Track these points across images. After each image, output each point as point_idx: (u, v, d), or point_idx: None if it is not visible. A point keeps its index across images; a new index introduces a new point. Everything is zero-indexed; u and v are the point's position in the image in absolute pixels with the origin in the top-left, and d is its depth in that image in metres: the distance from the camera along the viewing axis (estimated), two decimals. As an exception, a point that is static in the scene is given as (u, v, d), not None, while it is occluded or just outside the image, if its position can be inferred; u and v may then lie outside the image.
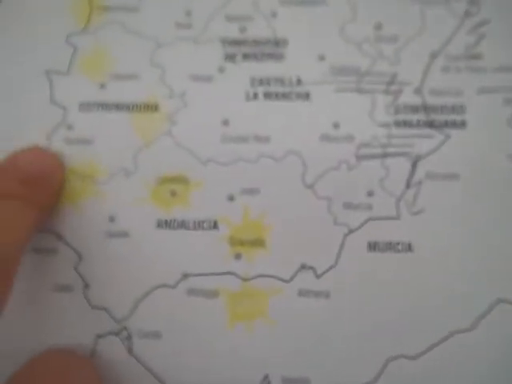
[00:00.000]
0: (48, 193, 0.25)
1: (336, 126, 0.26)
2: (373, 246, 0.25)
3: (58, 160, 0.26)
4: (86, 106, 0.27)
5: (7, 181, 0.23)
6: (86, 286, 0.25)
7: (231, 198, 0.26)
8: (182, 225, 0.26)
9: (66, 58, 0.27)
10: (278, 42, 0.27)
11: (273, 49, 0.27)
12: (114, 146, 0.27)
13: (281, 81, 0.27)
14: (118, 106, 0.27)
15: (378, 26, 0.27)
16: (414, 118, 0.26)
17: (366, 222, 0.25)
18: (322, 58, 0.27)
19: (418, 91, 0.26)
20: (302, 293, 0.25)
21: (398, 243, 0.25)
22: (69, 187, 0.26)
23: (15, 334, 0.25)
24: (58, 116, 0.27)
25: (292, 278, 0.25)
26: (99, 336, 0.25)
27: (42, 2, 0.27)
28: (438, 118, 0.26)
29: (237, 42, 0.27)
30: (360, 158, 0.26)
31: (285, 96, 0.26)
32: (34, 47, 0.27)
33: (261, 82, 0.27)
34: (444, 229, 0.25)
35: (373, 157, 0.26)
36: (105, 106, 0.27)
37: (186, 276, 0.25)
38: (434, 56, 0.26)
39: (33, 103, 0.27)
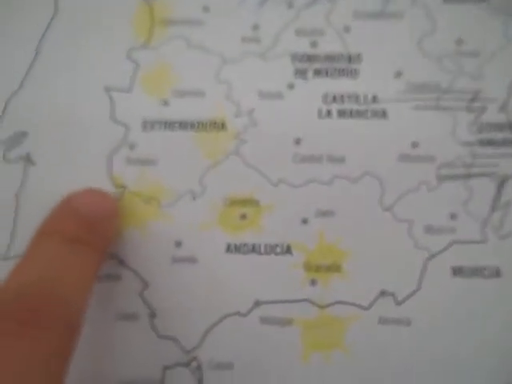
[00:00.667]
0: (109, 236, 0.33)
1: (415, 145, 0.35)
2: (457, 271, 0.33)
3: (116, 203, 0.34)
4: (148, 124, 0.35)
5: (72, 225, 0.31)
6: (152, 314, 0.34)
7: (305, 221, 0.34)
8: (253, 249, 0.34)
9: (127, 73, 0.36)
10: (352, 58, 0.36)
11: (346, 64, 0.36)
12: (178, 166, 0.35)
13: (355, 98, 0.35)
14: (183, 124, 0.35)
15: (459, 40, 0.35)
16: (499, 136, 0.34)
17: (449, 245, 0.34)
18: (398, 74, 0.35)
19: (503, 108, 0.35)
20: (382, 320, 0.33)
21: (485, 268, 0.33)
22: (132, 210, 0.35)
23: (78, 365, 0.33)
24: (119, 135, 0.35)
25: (371, 305, 0.33)
26: (167, 367, 0.33)
27: (103, 15, 0.36)
28: None
29: (308, 58, 0.36)
30: (441, 178, 0.34)
31: (360, 114, 0.35)
32: (93, 62, 0.36)
33: (334, 98, 0.35)
34: None
35: (455, 177, 0.34)
36: (168, 125, 0.35)
37: (258, 303, 0.34)
38: (519, 71, 0.35)
39: (93, 121, 0.35)
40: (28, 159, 0.34)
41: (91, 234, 0.31)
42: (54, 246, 0.30)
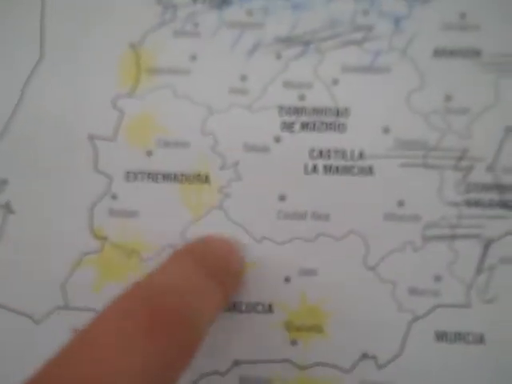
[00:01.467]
0: (238, 285, 0.33)
1: (401, 204, 0.33)
2: (441, 336, 0.32)
3: (242, 252, 0.33)
4: (131, 175, 0.34)
5: (215, 264, 0.30)
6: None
7: (287, 280, 0.33)
8: (234, 307, 0.32)
9: (111, 122, 0.34)
10: (340, 112, 0.34)
11: (334, 118, 0.34)
12: (161, 219, 0.33)
13: (342, 153, 0.34)
14: (166, 176, 0.34)
15: (448, 96, 0.34)
16: (487, 197, 0.33)
17: (433, 309, 0.32)
18: (386, 130, 0.34)
19: (490, 168, 0.33)
20: (363, 384, 0.31)
21: (469, 334, 0.32)
22: (113, 263, 0.33)
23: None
24: (101, 185, 0.34)
25: (352, 368, 0.32)
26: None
27: (89, 61, 0.34)
28: None
29: (295, 110, 0.34)
30: (427, 239, 0.33)
31: (346, 170, 0.33)
32: (77, 109, 0.34)
33: (321, 153, 0.34)
34: None
35: (441, 238, 0.33)
36: (152, 176, 0.34)
37: (237, 363, 0.32)
38: (509, 130, 0.33)
39: (75, 170, 0.34)
40: (7, 207, 0.32)
41: (227, 277, 0.31)
42: (194, 270, 0.29)
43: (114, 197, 0.33)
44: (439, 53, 0.33)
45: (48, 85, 0.34)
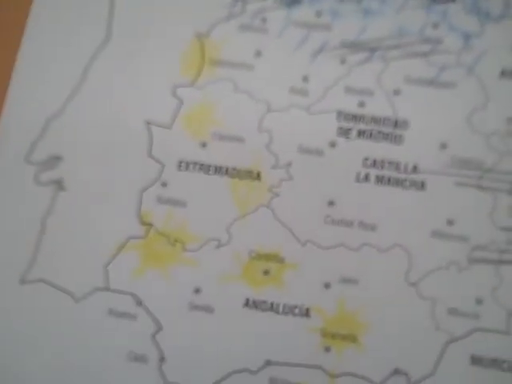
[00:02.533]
0: None
1: (450, 222, 0.31)
2: (476, 360, 0.30)
3: None
4: (184, 164, 0.32)
5: None
6: (162, 358, 0.31)
7: (327, 286, 0.31)
8: (272, 308, 0.31)
9: (169, 110, 0.33)
10: (398, 123, 0.32)
11: (391, 129, 0.32)
12: (208, 211, 0.32)
13: (396, 165, 0.32)
14: (218, 169, 0.32)
15: (511, 119, 0.32)
16: (537, 222, 0.31)
17: (471, 332, 0.30)
18: (443, 146, 0.32)
19: (545, 196, 0.31)
20: (393, 401, 0.30)
21: (505, 361, 0.30)
22: (156, 250, 0.32)
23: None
24: (153, 171, 0.32)
25: (383, 383, 0.30)
26: (170, 415, 0.30)
27: (154, 46, 0.33)
28: None
29: (353, 117, 0.32)
30: (473, 261, 0.31)
31: (398, 182, 0.32)
32: (137, 93, 0.33)
33: (374, 163, 0.32)
34: None
35: (487, 262, 0.31)
36: (204, 167, 0.32)
37: (269, 363, 0.31)
38: None
39: (129, 153, 0.32)
40: (59, 184, 0.31)
41: None
42: None
43: (164, 184, 0.32)
44: (507, 74, 0.31)
45: (110, 66, 0.33)
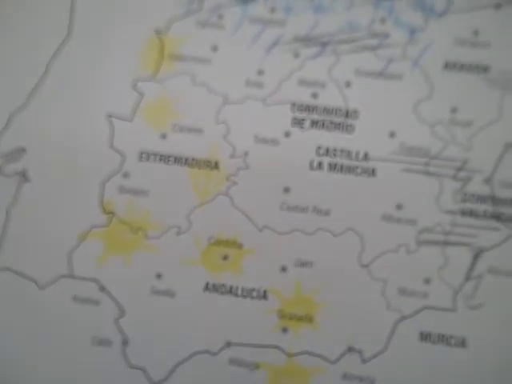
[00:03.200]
0: None
1: (399, 207, 0.32)
2: (425, 337, 0.31)
3: None
4: (144, 155, 0.33)
5: None
6: (125, 342, 0.31)
7: (284, 269, 0.32)
8: (231, 291, 0.32)
9: (130, 103, 0.33)
10: (349, 113, 0.33)
11: (343, 119, 0.33)
12: (169, 200, 0.33)
13: (347, 153, 0.33)
14: (177, 159, 0.33)
15: (454, 109, 0.33)
16: (481, 208, 0.32)
17: (420, 310, 0.31)
18: (392, 134, 0.33)
19: (487, 181, 0.32)
20: (346, 377, 0.31)
21: (452, 337, 0.31)
22: (119, 238, 0.32)
23: (51, 382, 0.31)
24: (115, 162, 0.33)
25: (337, 360, 0.31)
26: (133, 397, 0.31)
27: (114, 43, 0.34)
28: (506, 212, 0.32)
29: (307, 108, 0.33)
30: (420, 243, 0.32)
31: (350, 170, 0.33)
32: (99, 87, 0.33)
33: (327, 151, 0.33)
34: (502, 327, 0.31)
35: (434, 243, 0.32)
36: (164, 158, 0.33)
37: (229, 344, 0.31)
38: (508, 146, 0.32)
39: (91, 145, 0.33)
40: (23, 175, 0.31)
41: None
42: None
43: (126, 175, 0.32)
44: (450, 66, 0.32)
45: (72, 62, 0.34)
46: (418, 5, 0.33)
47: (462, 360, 0.30)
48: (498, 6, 0.32)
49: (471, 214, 0.32)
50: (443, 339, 0.31)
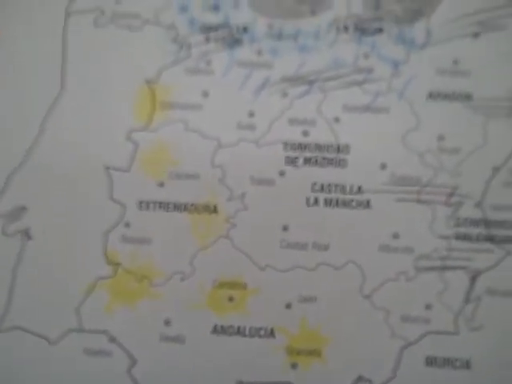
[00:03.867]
0: None
1: (396, 236, 0.33)
2: (430, 362, 0.32)
3: None
4: (144, 204, 0.33)
5: None
6: (140, 391, 0.32)
7: (288, 306, 0.32)
8: (238, 331, 0.32)
9: (126, 154, 0.34)
10: (340, 148, 0.34)
11: (335, 154, 0.34)
12: (171, 247, 0.33)
13: (342, 187, 0.33)
14: (177, 206, 0.33)
15: (441, 137, 0.34)
16: (475, 231, 0.33)
17: (424, 335, 0.32)
18: (383, 166, 0.34)
19: (478, 205, 0.33)
20: (359, 407, 0.31)
21: (457, 359, 0.32)
22: (125, 288, 0.32)
23: None
24: (116, 213, 0.33)
25: (348, 392, 0.32)
26: None
27: (106, 96, 0.34)
28: (499, 234, 0.33)
29: (299, 146, 0.34)
30: (419, 269, 0.33)
31: (345, 203, 0.33)
32: (94, 141, 0.34)
33: (322, 187, 0.33)
34: (504, 346, 0.32)
35: (432, 269, 0.33)
36: (163, 205, 0.33)
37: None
38: (496, 169, 0.33)
39: (91, 198, 0.33)
40: (26, 233, 0.31)
41: None
42: None
43: (127, 225, 0.33)
44: (434, 96, 0.33)
45: (67, 116, 0.34)
46: (398, 39, 0.33)
47: (466, 382, 0.31)
48: (476, 35, 0.33)
49: (465, 237, 0.33)
50: (448, 362, 0.31)
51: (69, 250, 0.33)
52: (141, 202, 0.33)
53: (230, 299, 0.32)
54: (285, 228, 0.32)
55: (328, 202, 0.33)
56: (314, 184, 0.33)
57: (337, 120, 0.33)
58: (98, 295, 0.32)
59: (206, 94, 0.33)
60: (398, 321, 0.32)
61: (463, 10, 0.33)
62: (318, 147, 0.33)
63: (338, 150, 0.33)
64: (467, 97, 0.33)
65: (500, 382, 0.31)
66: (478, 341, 0.32)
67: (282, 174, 0.33)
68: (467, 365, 0.31)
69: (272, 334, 0.31)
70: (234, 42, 0.33)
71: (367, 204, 0.33)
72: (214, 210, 0.33)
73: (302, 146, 0.33)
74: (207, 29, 0.34)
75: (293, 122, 0.33)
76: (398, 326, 0.32)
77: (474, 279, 0.32)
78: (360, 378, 0.31)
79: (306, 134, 0.33)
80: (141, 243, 0.32)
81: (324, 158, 0.33)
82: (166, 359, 0.31)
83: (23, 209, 0.32)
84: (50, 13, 0.34)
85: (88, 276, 0.32)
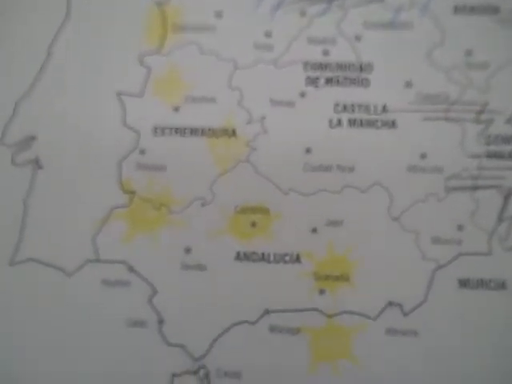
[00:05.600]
0: None
1: (423, 156, 0.31)
2: (463, 283, 0.30)
3: None
4: (159, 130, 0.32)
5: None
6: (161, 321, 0.30)
7: (314, 231, 0.31)
8: (263, 258, 0.31)
9: (138, 79, 0.32)
10: (363, 67, 0.32)
11: (357, 73, 0.32)
12: (189, 173, 0.32)
13: (366, 107, 0.32)
14: (193, 131, 0.32)
15: (468, 52, 0.32)
16: (507, 148, 0.32)
17: (456, 257, 0.31)
18: (408, 84, 0.32)
19: (510, 120, 0.32)
20: (389, 331, 0.30)
21: (491, 280, 0.30)
22: (142, 216, 0.31)
23: (88, 366, 0.30)
24: (130, 140, 0.32)
25: (378, 315, 0.30)
26: (175, 375, 0.30)
27: (115, 20, 0.33)
28: None
29: (319, 66, 0.32)
30: (449, 190, 0.31)
31: (370, 123, 0.32)
32: (105, 66, 0.32)
33: (345, 108, 0.32)
34: None
35: (463, 189, 0.31)
36: (179, 131, 0.32)
37: (267, 312, 0.30)
38: (526, 84, 0.32)
39: (104, 125, 0.32)
40: (36, 163, 0.30)
41: None
42: None
43: (143, 152, 0.31)
44: (459, 9, 0.32)
45: (74, 43, 0.32)
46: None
47: (503, 302, 0.30)
48: None
49: (497, 155, 0.31)
50: (482, 284, 0.30)
51: (81, 180, 0.32)
52: (156, 128, 0.32)
53: (253, 225, 0.31)
54: (308, 151, 0.31)
55: (352, 123, 0.31)
56: (337, 105, 0.32)
57: (358, 38, 0.32)
58: (115, 225, 0.31)
59: (219, 15, 0.32)
60: (429, 243, 0.31)
61: None
62: (340, 66, 0.32)
63: (361, 68, 0.32)
64: (494, 10, 0.31)
65: (538, 301, 0.30)
66: (513, 261, 0.30)
67: (302, 95, 0.32)
68: (503, 285, 0.30)
69: (298, 259, 0.30)
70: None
71: (392, 124, 0.31)
72: (233, 133, 0.32)
73: (322, 66, 0.32)
74: None
75: (312, 41, 0.32)
76: (428, 249, 0.31)
77: (507, 198, 0.31)
78: (390, 303, 0.30)
79: (326, 53, 0.32)
80: (157, 170, 0.31)
81: (346, 78, 0.32)
82: (188, 288, 0.30)
83: (32, 138, 0.31)
84: None
85: (103, 205, 0.31)
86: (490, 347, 0.30)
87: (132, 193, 0.31)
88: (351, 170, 0.31)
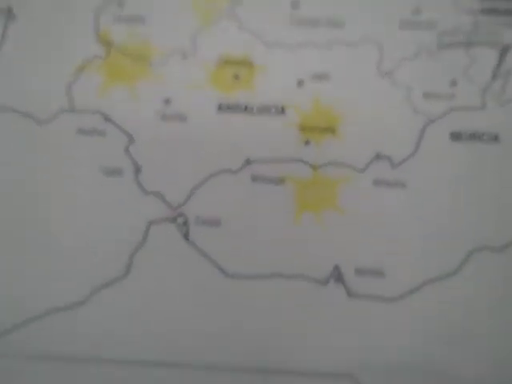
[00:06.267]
0: None
1: (417, 10, 0.30)
2: (455, 136, 0.29)
3: None
4: (138, -22, 0.31)
5: None
6: (138, 169, 0.29)
7: (300, 84, 0.30)
8: (246, 110, 0.29)
9: None
10: None
11: None
12: (169, 24, 0.30)
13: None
14: (175, -19, 0.30)
15: None
16: (503, 5, 0.30)
17: (448, 111, 0.29)
18: None
19: (506, -23, 0.30)
20: (377, 182, 0.29)
21: (484, 134, 0.29)
22: (120, 68, 0.30)
23: (61, 217, 0.28)
24: (108, -10, 0.30)
25: (366, 167, 0.29)
26: (152, 222, 0.28)
27: None
28: None
29: None
30: (442, 46, 0.30)
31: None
32: None
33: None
34: None
35: (456, 45, 0.30)
36: (160, -20, 0.31)
37: (249, 162, 0.29)
38: None
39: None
40: (9, 13, 0.29)
41: None
42: None
43: (120, 3, 0.30)
44: None
45: None
46: None
47: (495, 155, 0.28)
48: None
49: (493, 11, 0.30)
50: (475, 137, 0.29)
51: (57, 30, 0.31)
52: (134, -24, 0.30)
53: (236, 77, 0.29)
54: (295, 3, 0.29)
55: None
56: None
57: None
58: (90, 76, 0.30)
59: None
60: (421, 98, 0.30)
61: None
62: None
63: None
64: None
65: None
66: (507, 115, 0.29)
67: None
68: (496, 139, 0.28)
69: (283, 111, 0.29)
70: None
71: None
72: (216, -16, 0.30)
73: None
74: None
75: None
76: (420, 103, 0.30)
77: (503, 53, 0.29)
78: (378, 155, 0.29)
79: None
80: (136, 21, 0.30)
81: None
82: (167, 138, 0.29)
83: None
84: None
85: (78, 55, 0.30)
86: (480, 197, 0.30)
87: (109, 44, 0.30)
88: (341, 24, 0.30)
